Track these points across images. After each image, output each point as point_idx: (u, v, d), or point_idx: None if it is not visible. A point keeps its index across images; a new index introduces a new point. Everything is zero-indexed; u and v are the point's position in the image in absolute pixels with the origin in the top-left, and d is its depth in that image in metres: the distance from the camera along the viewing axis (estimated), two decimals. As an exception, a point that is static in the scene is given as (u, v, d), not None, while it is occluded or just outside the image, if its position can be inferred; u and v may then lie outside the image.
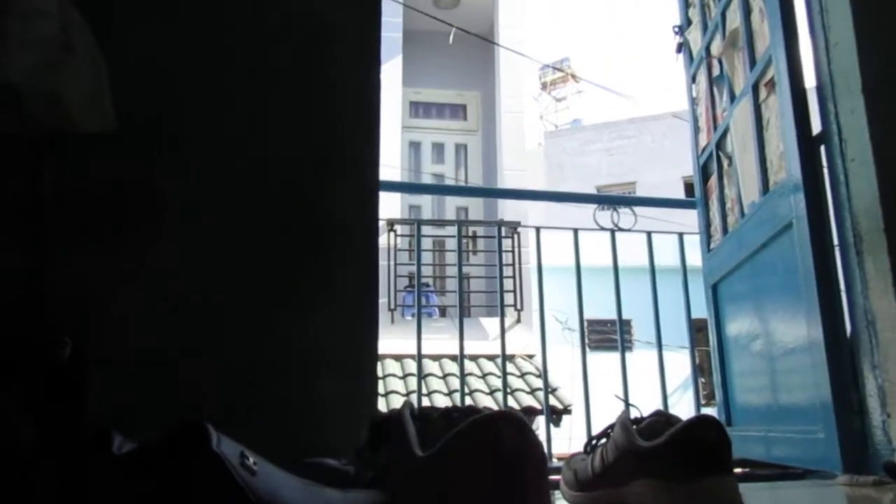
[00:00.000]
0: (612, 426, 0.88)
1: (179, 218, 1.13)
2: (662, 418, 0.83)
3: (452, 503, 0.46)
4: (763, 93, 1.77)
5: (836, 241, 1.55)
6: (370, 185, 1.22)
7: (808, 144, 1.58)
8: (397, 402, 4.86)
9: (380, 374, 5.61)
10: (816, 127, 1.60)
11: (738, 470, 1.76)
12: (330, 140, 1.22)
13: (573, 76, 14.40)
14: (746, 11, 1.86)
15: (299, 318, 1.14)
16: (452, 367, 5.40)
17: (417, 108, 7.66)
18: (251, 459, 0.46)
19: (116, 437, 0.48)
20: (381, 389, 5.33)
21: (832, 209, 1.55)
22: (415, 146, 7.55)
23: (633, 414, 0.90)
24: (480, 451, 0.46)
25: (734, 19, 1.96)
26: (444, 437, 0.49)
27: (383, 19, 1.32)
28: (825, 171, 1.57)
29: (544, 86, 14.79)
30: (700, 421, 0.76)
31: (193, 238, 1.13)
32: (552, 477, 1.10)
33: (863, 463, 1.40)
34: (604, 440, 0.90)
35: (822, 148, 1.58)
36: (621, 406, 1.22)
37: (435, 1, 7.03)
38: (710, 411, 2.17)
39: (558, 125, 14.46)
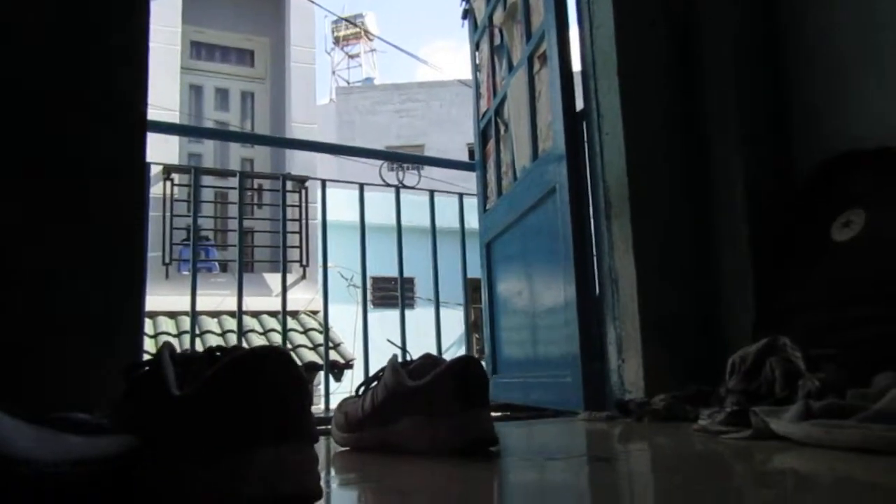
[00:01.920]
0: (383, 369, 0.91)
1: None
2: (430, 360, 0.88)
3: (212, 440, 0.45)
4: (537, 65, 1.91)
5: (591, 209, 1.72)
6: (136, 125, 1.12)
7: (571, 118, 1.73)
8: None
9: (151, 332, 5.24)
10: (581, 102, 1.76)
11: (498, 413, 1.92)
12: (86, 70, 1.09)
13: (367, 33, 14.29)
14: (525, -14, 1.97)
15: (53, 271, 1.02)
16: (232, 324, 5.21)
17: (200, 50, 7.12)
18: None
19: None
20: (152, 348, 4.99)
21: (590, 178, 1.72)
22: (196, 90, 7.03)
23: (406, 359, 0.95)
24: (241, 386, 0.45)
25: (515, -8, 2.07)
26: (204, 375, 0.47)
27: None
28: (585, 143, 1.74)
29: (337, 40, 14.52)
30: (461, 361, 0.82)
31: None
32: (326, 426, 1.12)
33: (601, 402, 1.60)
34: (375, 383, 0.93)
35: (585, 122, 1.74)
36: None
37: (222, -65, 6.54)
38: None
39: (350, 82, 14.33)
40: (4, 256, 1.00)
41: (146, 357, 0.76)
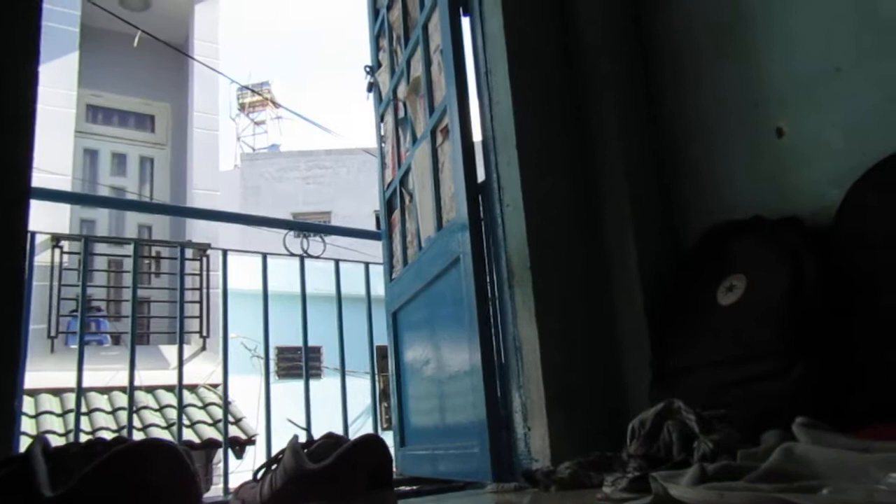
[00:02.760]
0: (282, 451, 0.88)
1: None
2: (332, 440, 0.86)
3: (81, 548, 0.41)
4: (440, 138, 1.96)
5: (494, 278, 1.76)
6: (17, 192, 1.06)
7: (473, 189, 1.78)
8: (54, 444, 4.23)
9: (31, 411, 4.84)
10: (483, 174, 1.81)
11: (405, 488, 1.87)
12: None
13: (273, 101, 14.30)
14: (427, 62, 2.04)
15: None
16: (124, 401, 4.89)
17: (96, 113, 6.90)
18: None
19: None
20: (32, 430, 4.60)
21: (492, 247, 1.76)
22: (91, 154, 6.77)
23: (309, 437, 0.91)
24: (120, 486, 0.42)
25: (417, 68, 2.14)
26: (79, 473, 0.44)
27: (57, 9, 1.18)
28: (488, 213, 1.78)
29: (243, 107, 14.46)
30: (363, 441, 0.80)
31: None
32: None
33: (509, 472, 1.59)
34: (275, 466, 0.89)
35: (486, 193, 1.79)
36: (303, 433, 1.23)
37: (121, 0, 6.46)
38: (389, 435, 2.29)
39: (256, 148, 14.21)
40: None
41: (22, 444, 0.70)
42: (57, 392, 5.07)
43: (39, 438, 0.53)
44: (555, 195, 1.69)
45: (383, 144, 2.55)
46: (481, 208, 1.78)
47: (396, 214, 2.38)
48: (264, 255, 2.35)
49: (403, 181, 2.31)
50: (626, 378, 1.58)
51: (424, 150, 2.04)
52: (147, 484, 0.42)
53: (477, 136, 1.81)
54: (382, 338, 2.53)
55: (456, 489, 1.74)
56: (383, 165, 2.54)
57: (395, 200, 2.40)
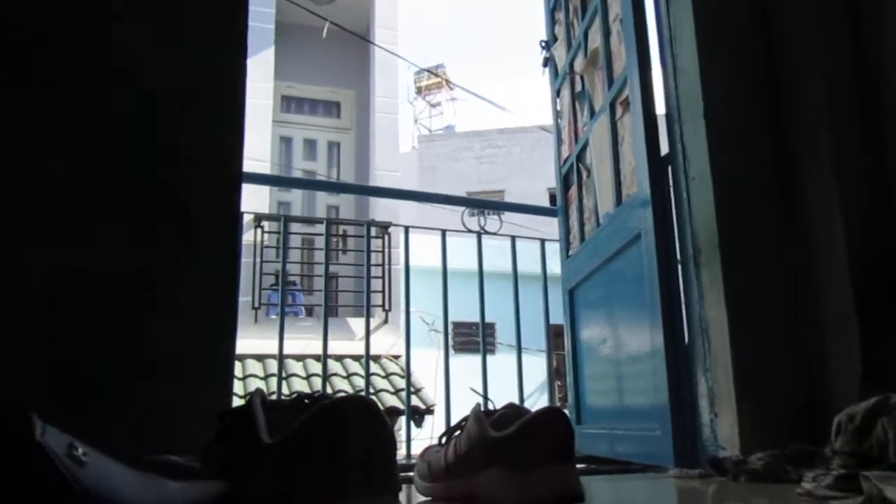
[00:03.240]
0: (466, 418, 0.91)
1: (22, 205, 1.04)
2: (513, 410, 0.87)
3: (299, 487, 0.46)
4: (619, 111, 1.89)
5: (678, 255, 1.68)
6: (232, 177, 1.18)
7: (656, 162, 1.70)
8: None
9: (240, 374, 5.40)
10: (666, 146, 1.73)
11: (583, 465, 1.86)
12: (188, 127, 1.16)
13: (448, 82, 14.64)
14: (606, 33, 1.97)
15: (150, 315, 1.08)
16: (317, 368, 5.31)
17: (290, 103, 7.48)
18: (80, 450, 0.43)
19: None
20: (241, 391, 5.14)
21: (676, 224, 1.68)
22: (286, 141, 7.36)
23: (489, 407, 0.94)
24: (328, 435, 0.46)
25: (595, 39, 2.08)
26: (293, 424, 0.48)
27: (254, 9, 1.28)
28: (671, 188, 1.70)
29: (419, 90, 14.94)
30: (547, 412, 0.80)
31: (36, 229, 1.04)
32: (408, 473, 1.11)
33: (692, 458, 1.52)
34: (458, 432, 0.92)
35: (670, 166, 1.71)
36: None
37: (311, -5, 6.91)
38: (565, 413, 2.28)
39: (432, 130, 14.65)
40: (103, 297, 1.06)
41: (236, 399, 0.79)
42: (260, 358, 5.62)
43: (258, 391, 0.59)
44: (746, 168, 1.57)
45: (559, 120, 2.52)
46: (664, 183, 1.70)
47: (573, 190, 2.34)
48: (443, 232, 2.42)
49: (580, 156, 2.27)
50: (828, 369, 1.43)
51: (603, 124, 1.98)
52: (351, 434, 0.45)
53: (659, 107, 1.73)
54: (556, 316, 2.52)
55: (634, 471, 1.70)
56: (559, 141, 2.51)
57: (571, 176, 2.36)
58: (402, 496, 0.52)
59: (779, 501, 0.92)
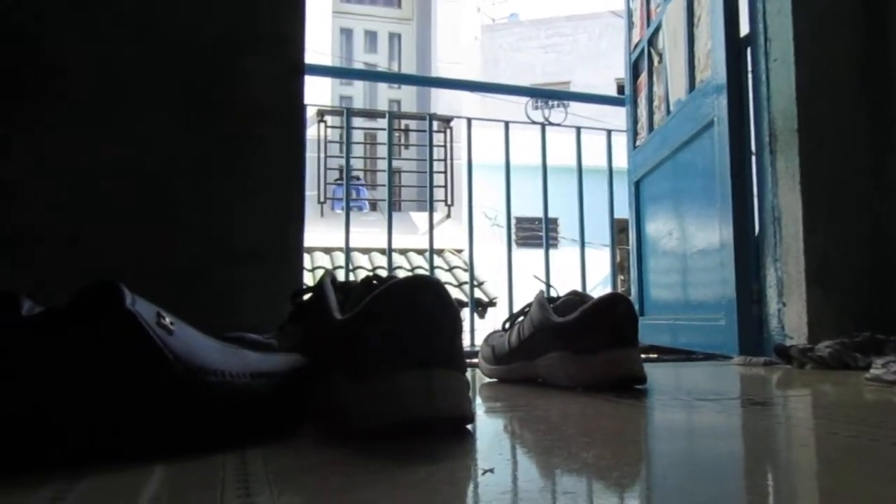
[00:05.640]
0: (529, 304, 0.92)
1: (81, 93, 1.06)
2: (577, 297, 0.88)
3: (372, 362, 0.48)
4: (696, -12, 1.77)
5: (752, 144, 1.60)
6: (294, 65, 1.17)
7: (735, 44, 1.60)
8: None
9: (308, 266, 5.60)
10: (745, 29, 1.62)
11: (645, 355, 1.88)
12: (247, 13, 1.15)
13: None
14: None
15: (218, 205, 1.11)
16: (382, 261, 5.45)
17: (349, -7, 7.31)
18: (168, 319, 0.46)
19: (25, 301, 0.47)
20: (310, 282, 5.34)
21: (752, 110, 1.60)
22: (346, 33, 7.24)
23: (552, 294, 0.95)
24: (397, 311, 0.47)
25: None
26: (362, 301, 0.50)
27: None
28: (749, 72, 1.61)
29: (483, -24, 14.27)
30: (609, 298, 0.81)
31: (100, 118, 1.07)
32: (472, 360, 1.15)
33: (757, 347, 1.52)
34: (521, 318, 0.94)
35: (749, 49, 1.61)
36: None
37: None
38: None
39: (495, 19, 14.09)
40: (180, 189, 1.09)
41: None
42: (327, 251, 5.79)
43: (328, 272, 0.62)
44: (834, 49, 1.46)
45: (630, 1, 2.37)
46: (742, 65, 1.61)
47: (643, 77, 2.24)
48: (506, 123, 2.38)
49: (652, 41, 2.15)
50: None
51: (679, 3, 1.86)
52: (420, 310, 0.47)
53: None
54: (620, 210, 2.48)
55: (697, 360, 1.71)
56: (630, 25, 2.38)
57: (641, 62, 2.25)
58: (466, 377, 0.54)
59: (845, 387, 0.91)
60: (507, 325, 0.98)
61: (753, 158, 1.60)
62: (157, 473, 0.40)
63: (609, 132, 2.53)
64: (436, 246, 2.67)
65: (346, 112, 2.50)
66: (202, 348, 0.47)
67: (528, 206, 3.19)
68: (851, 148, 1.46)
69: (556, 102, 7.30)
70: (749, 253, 1.57)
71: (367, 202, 6.72)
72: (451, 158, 5.99)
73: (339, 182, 6.00)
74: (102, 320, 0.44)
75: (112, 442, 0.43)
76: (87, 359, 0.43)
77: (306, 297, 0.65)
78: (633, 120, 2.34)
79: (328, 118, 5.88)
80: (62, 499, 0.35)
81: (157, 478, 0.40)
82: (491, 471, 0.41)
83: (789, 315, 1.45)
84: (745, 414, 0.67)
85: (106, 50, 1.07)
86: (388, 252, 2.42)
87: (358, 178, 6.64)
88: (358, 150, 6.25)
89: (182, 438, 0.45)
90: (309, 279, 5.40)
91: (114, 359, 0.44)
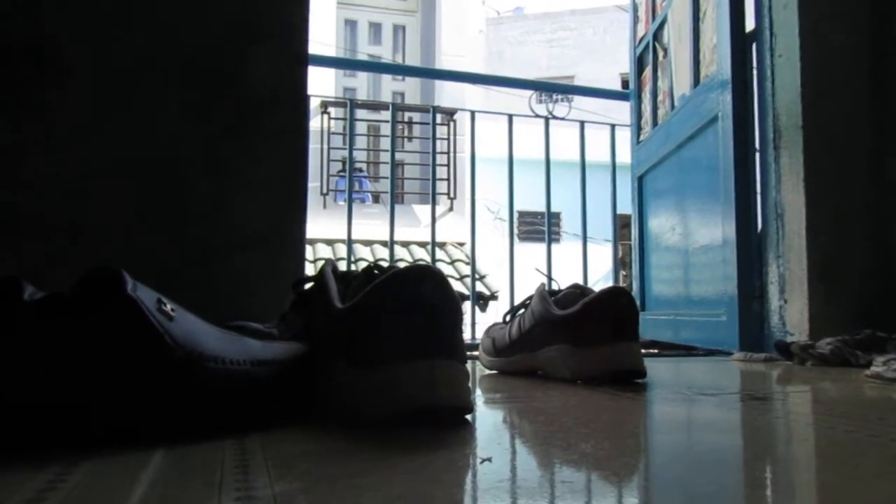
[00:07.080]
0: (530, 297, 0.92)
1: (87, 84, 1.06)
2: (577, 290, 0.88)
3: (370, 351, 0.48)
4: (703, -17, 1.76)
5: (756, 140, 1.60)
6: (298, 55, 1.17)
7: (740, 39, 1.60)
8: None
9: (311, 257, 5.60)
10: (751, 24, 1.61)
11: (646, 350, 1.88)
12: (252, 3, 1.15)
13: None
14: None
15: (221, 194, 1.11)
16: (384, 253, 5.46)
17: (355, -16, 7.28)
18: (168, 306, 0.46)
19: (27, 286, 0.47)
20: (312, 273, 5.34)
21: (757, 106, 1.59)
22: (350, 24, 7.23)
23: (553, 287, 0.95)
24: (398, 301, 0.47)
25: None
26: (363, 290, 0.50)
27: None
28: (754, 68, 1.60)
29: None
30: (611, 291, 0.81)
31: (103, 107, 1.06)
32: (472, 352, 1.15)
33: (758, 344, 1.52)
34: (522, 310, 0.94)
35: (754, 45, 1.60)
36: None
37: None
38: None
39: (500, 12, 14.03)
40: (184, 178, 1.09)
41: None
42: (329, 242, 5.79)
43: (329, 262, 0.62)
44: (840, 46, 1.46)
45: (636, -5, 2.36)
46: (747, 61, 1.60)
47: (647, 72, 2.23)
48: (510, 117, 2.37)
49: (657, 35, 2.14)
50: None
51: (684, -2, 1.85)
52: (420, 299, 0.47)
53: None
54: (623, 206, 2.48)
55: (698, 355, 1.71)
56: (635, 19, 2.37)
57: (646, 57, 2.25)
58: (467, 365, 0.54)
59: (845, 383, 0.91)
60: (508, 318, 0.98)
61: (757, 155, 1.59)
62: (156, 458, 0.40)
63: (613, 127, 2.52)
64: (438, 239, 2.67)
65: (350, 103, 2.50)
66: (203, 335, 0.47)
67: (530, 200, 3.18)
68: (856, 145, 1.46)
69: (559, 96, 7.30)
70: (751, 249, 1.57)
71: (369, 194, 6.71)
72: (455, 151, 5.98)
73: (341, 174, 6.00)
74: (103, 306, 0.44)
75: (112, 427, 0.43)
76: (87, 344, 0.43)
77: (308, 286, 0.65)
78: (637, 115, 2.34)
79: (332, 110, 5.88)
80: (62, 482, 0.35)
81: (157, 463, 0.40)
82: (489, 459, 0.41)
83: (791, 312, 1.44)
84: (745, 409, 0.67)
85: (111, 41, 1.07)
86: (390, 244, 2.41)
87: (361, 170, 6.64)
88: (361, 142, 6.25)
89: (182, 424, 0.45)
90: (311, 271, 5.41)
91: (114, 344, 0.44)
